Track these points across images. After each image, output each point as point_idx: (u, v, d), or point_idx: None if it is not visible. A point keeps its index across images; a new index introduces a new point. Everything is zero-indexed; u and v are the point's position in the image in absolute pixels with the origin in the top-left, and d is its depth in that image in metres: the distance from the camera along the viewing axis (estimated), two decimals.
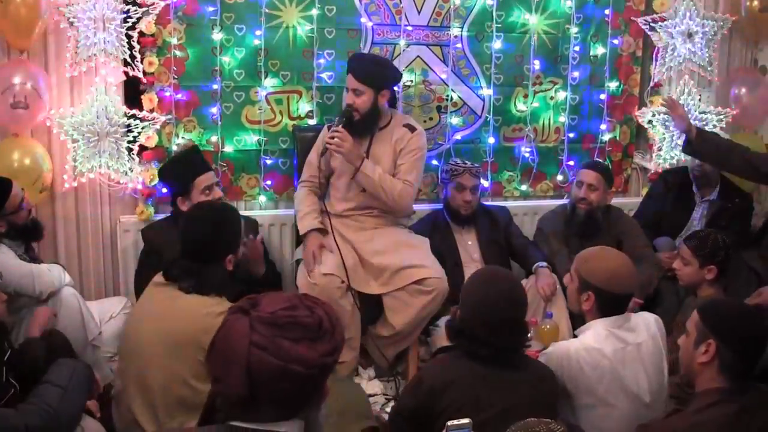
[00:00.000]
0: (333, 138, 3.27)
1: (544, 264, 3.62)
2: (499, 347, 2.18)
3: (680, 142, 4.38)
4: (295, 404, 1.35)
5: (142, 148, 3.68)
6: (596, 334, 2.45)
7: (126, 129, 3.61)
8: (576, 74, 4.31)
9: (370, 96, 3.38)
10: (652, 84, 4.41)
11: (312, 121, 3.96)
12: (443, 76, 4.12)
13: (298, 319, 1.32)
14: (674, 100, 3.89)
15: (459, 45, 4.11)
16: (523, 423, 1.80)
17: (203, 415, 1.44)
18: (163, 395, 2.36)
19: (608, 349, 2.40)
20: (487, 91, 4.20)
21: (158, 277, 2.55)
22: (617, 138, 4.47)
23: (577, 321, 3.17)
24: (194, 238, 2.54)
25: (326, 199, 3.57)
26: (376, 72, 3.42)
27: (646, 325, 2.52)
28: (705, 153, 3.68)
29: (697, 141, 3.63)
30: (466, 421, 1.87)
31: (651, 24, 4.29)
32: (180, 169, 3.34)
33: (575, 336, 2.59)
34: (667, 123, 4.39)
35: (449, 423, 1.86)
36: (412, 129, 3.52)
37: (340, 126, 3.31)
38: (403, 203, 3.46)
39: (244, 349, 1.29)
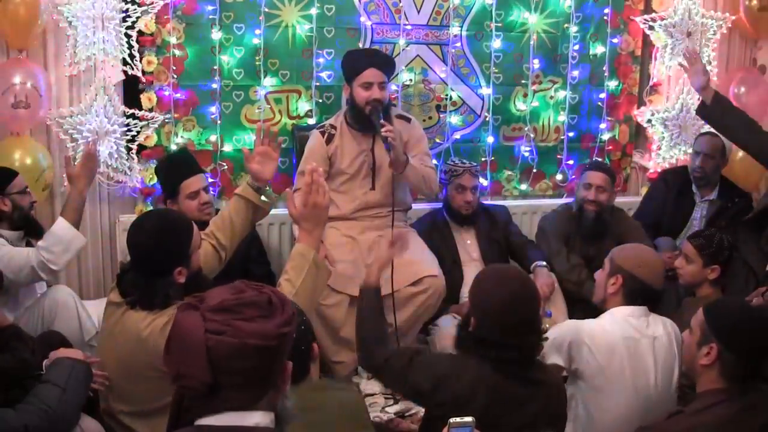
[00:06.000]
0: (390, 132, 3.21)
1: (543, 264, 3.62)
2: (523, 347, 2.06)
3: (679, 141, 4.41)
4: (260, 384, 1.35)
5: (141, 147, 3.68)
6: (613, 319, 2.48)
7: (125, 128, 3.61)
8: (575, 73, 4.31)
9: (388, 90, 3.46)
10: (651, 83, 4.41)
11: (311, 121, 3.95)
12: (443, 76, 4.12)
13: (248, 299, 1.34)
14: (697, 52, 3.78)
15: (458, 44, 4.11)
16: None
17: (170, 420, 1.42)
18: (149, 401, 2.30)
19: (621, 335, 2.42)
20: (486, 91, 4.20)
21: (113, 294, 2.39)
22: (616, 137, 4.47)
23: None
24: (138, 249, 2.32)
25: None
26: (393, 66, 3.55)
27: (664, 323, 2.53)
28: (717, 119, 3.57)
29: (712, 104, 3.53)
30: (469, 419, 1.81)
31: (650, 23, 4.29)
32: (167, 171, 3.25)
33: None
34: (666, 122, 4.40)
35: (451, 420, 1.82)
36: (407, 119, 3.60)
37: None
38: (435, 188, 3.65)
39: (200, 338, 1.29)
